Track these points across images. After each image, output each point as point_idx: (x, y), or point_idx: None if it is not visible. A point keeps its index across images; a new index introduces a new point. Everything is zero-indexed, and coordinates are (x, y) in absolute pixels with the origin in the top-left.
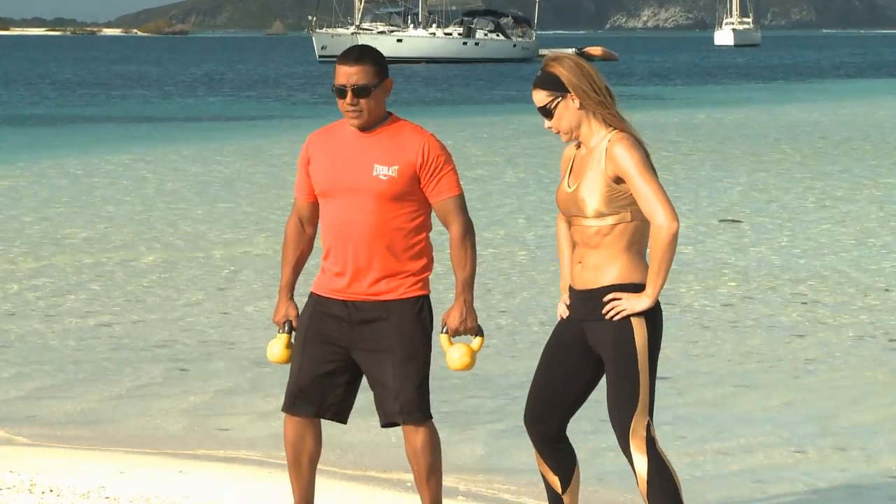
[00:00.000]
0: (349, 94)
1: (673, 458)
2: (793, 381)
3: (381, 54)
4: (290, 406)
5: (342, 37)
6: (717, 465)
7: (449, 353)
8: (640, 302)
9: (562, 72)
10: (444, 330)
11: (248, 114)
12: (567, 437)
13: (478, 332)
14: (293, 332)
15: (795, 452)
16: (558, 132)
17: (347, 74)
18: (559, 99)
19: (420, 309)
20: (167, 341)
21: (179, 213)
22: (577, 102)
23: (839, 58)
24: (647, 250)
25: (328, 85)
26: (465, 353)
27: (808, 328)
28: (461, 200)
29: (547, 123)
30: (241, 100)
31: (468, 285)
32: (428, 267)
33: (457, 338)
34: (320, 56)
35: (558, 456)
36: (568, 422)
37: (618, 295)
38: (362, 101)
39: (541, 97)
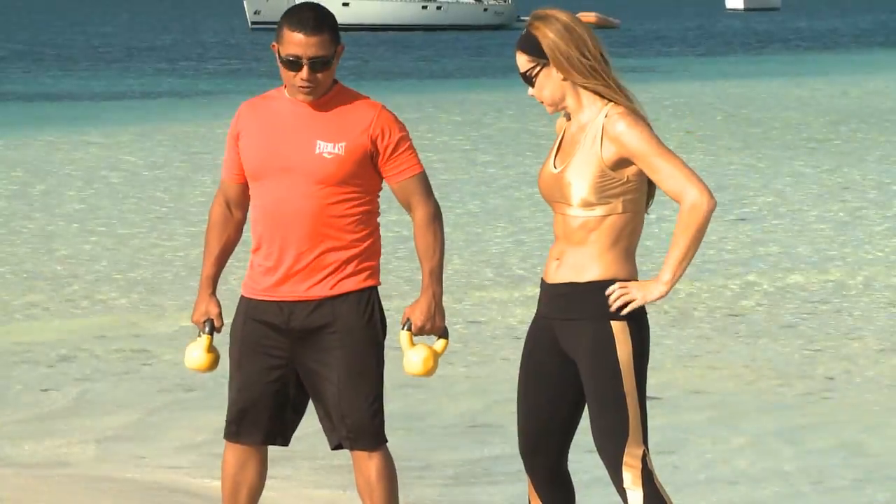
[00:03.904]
0: (306, 69)
1: (671, 491)
2: (812, 401)
3: (333, 16)
4: (234, 433)
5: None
6: (724, 499)
7: (408, 355)
8: (655, 289)
9: (546, 35)
10: (407, 327)
11: (159, 89)
12: (568, 471)
13: (443, 332)
14: (214, 334)
15: (815, 483)
16: (541, 102)
17: (303, 45)
18: (541, 66)
19: (370, 309)
20: (72, 355)
21: (85, 207)
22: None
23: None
24: (675, 232)
25: (264, 55)
26: (428, 356)
27: (830, 339)
28: (424, 179)
29: (530, 91)
30: (155, 74)
31: (437, 277)
32: (376, 256)
33: (419, 338)
34: (253, 23)
35: (557, 494)
36: (568, 447)
37: (625, 284)
38: (319, 74)
39: (522, 62)
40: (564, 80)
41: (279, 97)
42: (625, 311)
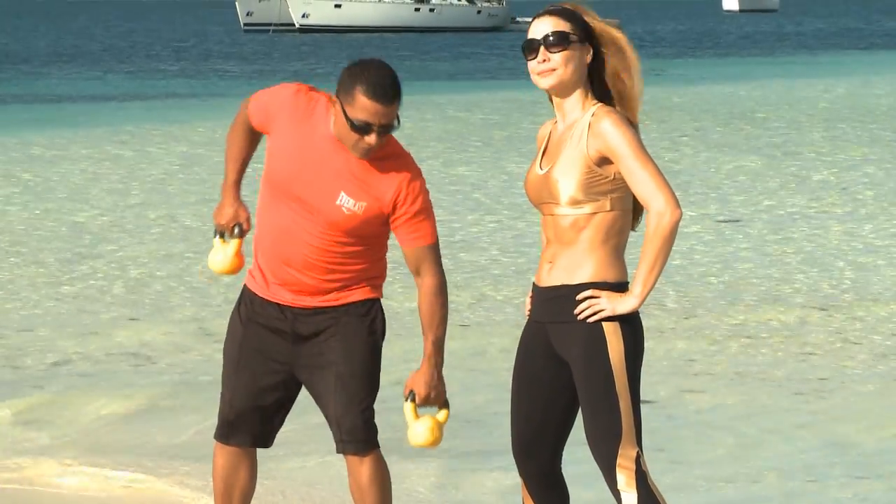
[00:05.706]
0: (375, 135)
1: (666, 491)
2: (804, 402)
3: (398, 77)
4: (225, 435)
5: (271, 1)
6: (718, 500)
7: (414, 427)
8: (625, 302)
9: (595, 20)
10: (411, 398)
11: (151, 91)
12: (561, 473)
13: (444, 403)
14: (244, 237)
15: (809, 482)
16: (552, 71)
17: (379, 114)
18: (577, 43)
19: (371, 318)
20: (66, 357)
21: (74, 210)
22: (588, 58)
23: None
24: (643, 242)
25: (256, 57)
26: (432, 426)
27: (822, 342)
28: (435, 249)
29: (542, 57)
30: (147, 75)
31: (439, 347)
32: (380, 277)
33: (422, 409)
34: (245, 24)
35: (551, 496)
36: (562, 450)
37: (596, 292)
38: (384, 138)
39: (558, 24)
40: (590, 67)
41: (324, 124)
42: (591, 320)
